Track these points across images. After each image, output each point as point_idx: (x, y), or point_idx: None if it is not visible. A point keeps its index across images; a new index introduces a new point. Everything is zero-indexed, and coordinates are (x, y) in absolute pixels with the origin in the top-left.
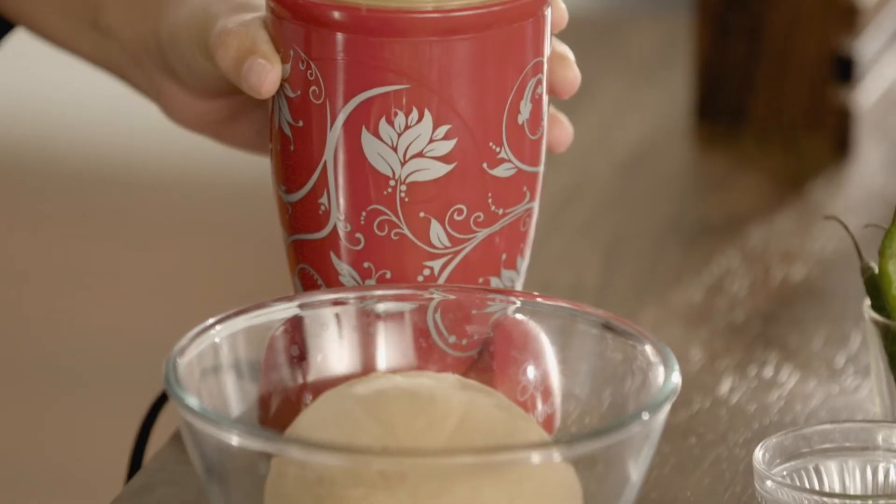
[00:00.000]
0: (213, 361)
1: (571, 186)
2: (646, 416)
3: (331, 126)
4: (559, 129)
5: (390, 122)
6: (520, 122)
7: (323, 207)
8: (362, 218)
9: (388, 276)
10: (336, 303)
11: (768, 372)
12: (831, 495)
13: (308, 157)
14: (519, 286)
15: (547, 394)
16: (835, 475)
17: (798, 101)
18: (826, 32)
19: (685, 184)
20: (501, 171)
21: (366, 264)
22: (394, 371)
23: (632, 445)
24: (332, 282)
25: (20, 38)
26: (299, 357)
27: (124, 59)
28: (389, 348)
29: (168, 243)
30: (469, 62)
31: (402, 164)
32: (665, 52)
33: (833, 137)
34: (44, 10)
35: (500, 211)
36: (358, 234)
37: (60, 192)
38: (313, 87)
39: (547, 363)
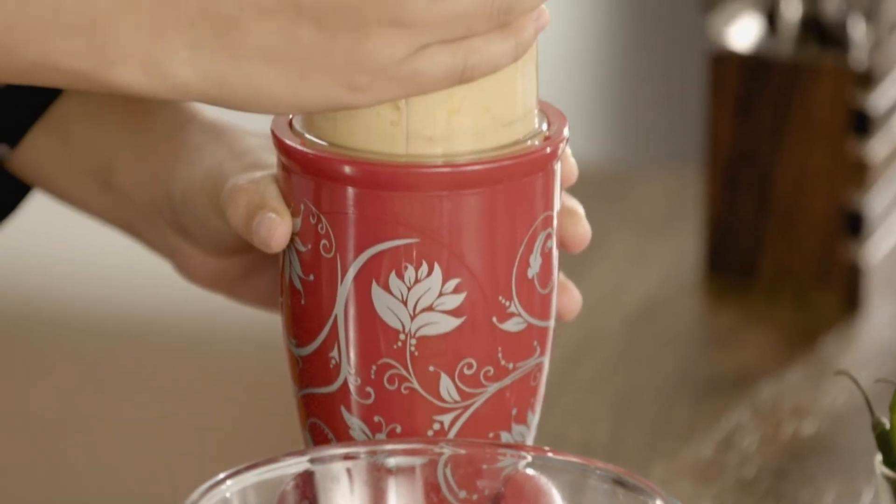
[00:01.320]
0: None
1: (582, 341)
2: None
3: (341, 280)
4: (567, 297)
5: (400, 276)
6: (530, 276)
7: (333, 361)
8: (372, 372)
9: (399, 430)
10: (347, 457)
11: None
12: None
13: (318, 311)
14: (530, 441)
15: None
16: None
17: (808, 256)
18: (835, 187)
19: (695, 338)
20: (511, 326)
21: (376, 418)
22: None
23: None
24: (343, 436)
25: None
26: None
27: (137, 218)
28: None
29: (178, 397)
30: (479, 216)
31: (412, 318)
32: (674, 206)
33: (843, 292)
34: (56, 170)
35: (511, 365)
36: (368, 388)
37: (70, 345)
38: (324, 241)
39: None
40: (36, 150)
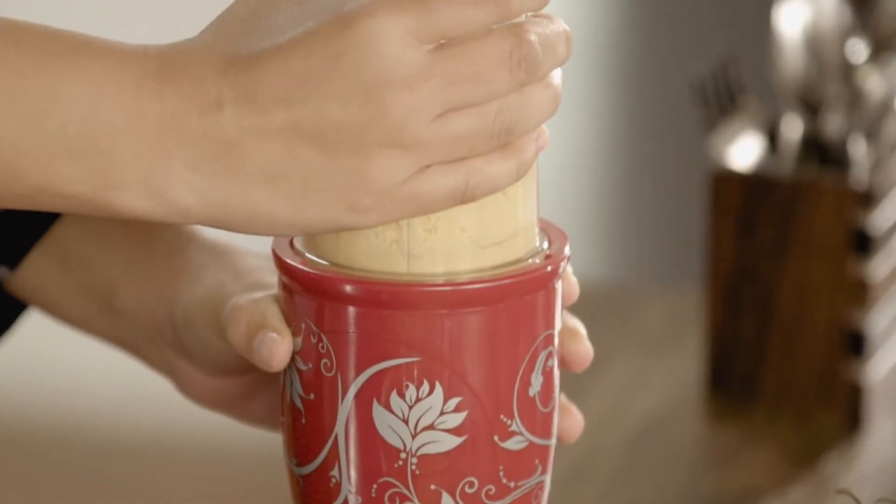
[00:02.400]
0: None
1: (584, 459)
2: None
3: (342, 399)
4: (569, 420)
5: (401, 395)
6: (531, 394)
7: (334, 480)
8: (373, 490)
9: None
10: None
11: None
12: None
13: (319, 429)
14: None
15: None
16: None
17: (810, 375)
18: (837, 306)
19: (697, 457)
20: (513, 444)
21: None
22: None
23: None
24: None
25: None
26: None
27: (138, 338)
28: None
29: None
30: (480, 335)
31: (413, 437)
32: (676, 324)
33: (845, 411)
34: (56, 292)
35: (512, 484)
36: None
37: (70, 463)
38: (325, 360)
39: None
40: (36, 272)
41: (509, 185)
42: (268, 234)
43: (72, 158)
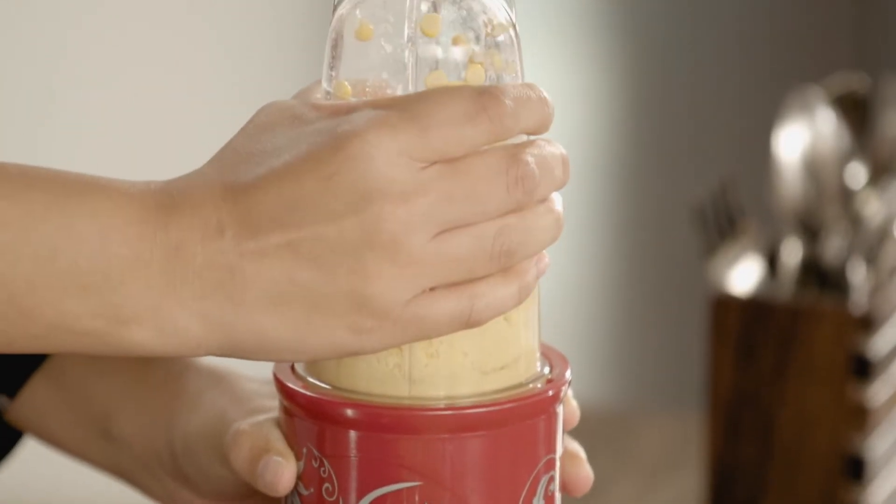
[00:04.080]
0: None
1: None
2: None
3: None
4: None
5: None
6: None
7: None
8: None
9: None
10: None
11: None
12: None
13: None
14: None
15: None
16: None
17: (810, 500)
18: (837, 431)
19: None
20: None
21: None
22: None
23: None
24: None
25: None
26: None
27: (136, 467)
28: None
29: None
30: (482, 459)
31: None
32: (677, 449)
33: None
34: (54, 420)
35: None
36: None
37: None
38: (326, 485)
39: None
40: (34, 400)
41: (511, 309)
42: (275, 360)
43: (84, 294)
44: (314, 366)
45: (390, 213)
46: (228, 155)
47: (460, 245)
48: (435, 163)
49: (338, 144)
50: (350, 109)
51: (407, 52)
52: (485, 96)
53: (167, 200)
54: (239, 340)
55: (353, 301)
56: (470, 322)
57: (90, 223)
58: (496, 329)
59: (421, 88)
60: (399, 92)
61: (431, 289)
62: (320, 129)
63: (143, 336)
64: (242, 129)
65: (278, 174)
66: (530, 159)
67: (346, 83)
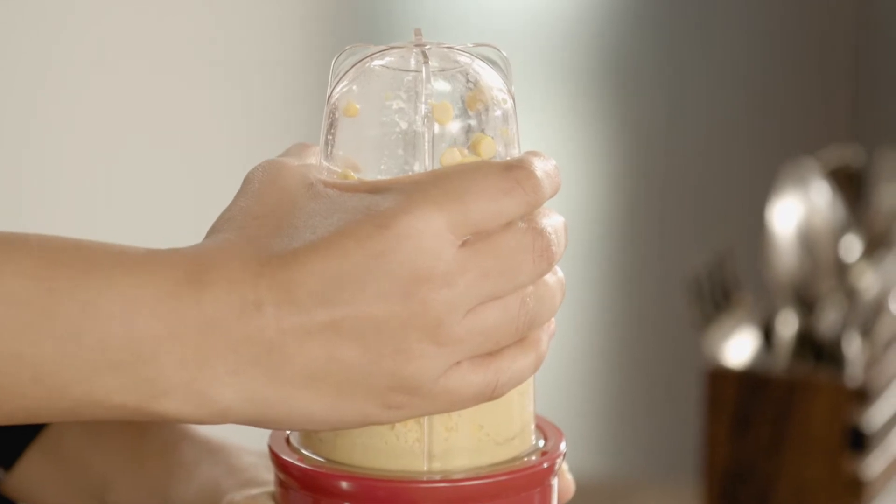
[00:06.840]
0: None
1: None
2: None
3: None
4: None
5: None
6: None
7: None
8: None
9: None
10: None
11: None
12: None
13: None
14: None
15: None
16: None
17: None
18: (834, 503)
19: None
20: None
21: None
22: None
23: None
24: None
25: None
26: None
27: None
28: None
29: None
30: None
31: None
32: None
33: None
34: (51, 490)
35: None
36: None
37: None
38: None
39: None
40: (31, 471)
41: (529, 377)
42: (299, 430)
43: (115, 371)
44: (309, 439)
45: (437, 294)
46: (250, 223)
47: (490, 318)
48: (466, 240)
49: (383, 223)
50: (374, 189)
51: (419, 129)
52: (515, 170)
53: (197, 272)
54: (271, 414)
55: (391, 379)
56: (494, 395)
57: (116, 301)
58: (508, 399)
59: (437, 166)
60: (417, 169)
61: (457, 362)
62: (355, 206)
63: (175, 407)
64: (250, 192)
65: (317, 249)
66: (550, 230)
67: (348, 164)
